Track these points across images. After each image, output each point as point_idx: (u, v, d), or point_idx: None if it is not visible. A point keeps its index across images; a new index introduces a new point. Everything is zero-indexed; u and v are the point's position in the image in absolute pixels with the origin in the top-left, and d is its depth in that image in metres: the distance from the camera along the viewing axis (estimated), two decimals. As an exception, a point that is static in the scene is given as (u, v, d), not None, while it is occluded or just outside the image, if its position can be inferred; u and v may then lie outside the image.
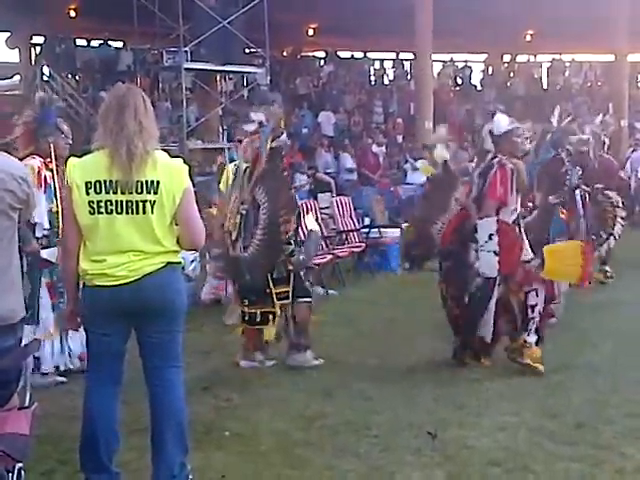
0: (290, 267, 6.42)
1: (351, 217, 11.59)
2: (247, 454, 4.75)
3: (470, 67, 25.21)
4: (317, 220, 10.25)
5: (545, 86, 25.71)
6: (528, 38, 24.43)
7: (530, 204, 7.57)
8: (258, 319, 6.36)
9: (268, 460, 4.64)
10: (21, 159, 5.42)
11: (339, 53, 24.24)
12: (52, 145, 5.99)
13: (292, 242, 6.48)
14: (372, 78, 24.71)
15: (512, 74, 25.49)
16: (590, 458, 4.58)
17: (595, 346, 7.03)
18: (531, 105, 23.54)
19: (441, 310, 6.75)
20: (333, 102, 20.62)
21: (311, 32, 23.20)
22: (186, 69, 15.53)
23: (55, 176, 6.00)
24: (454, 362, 6.50)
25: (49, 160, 6.01)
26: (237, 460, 4.65)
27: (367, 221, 12.37)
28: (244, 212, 6.22)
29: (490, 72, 25.24)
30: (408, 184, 15.56)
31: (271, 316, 6.36)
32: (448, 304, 6.58)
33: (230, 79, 18.70)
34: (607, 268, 10.00)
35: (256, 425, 5.18)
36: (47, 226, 5.97)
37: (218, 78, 17.14)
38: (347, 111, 20.38)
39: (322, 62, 24.17)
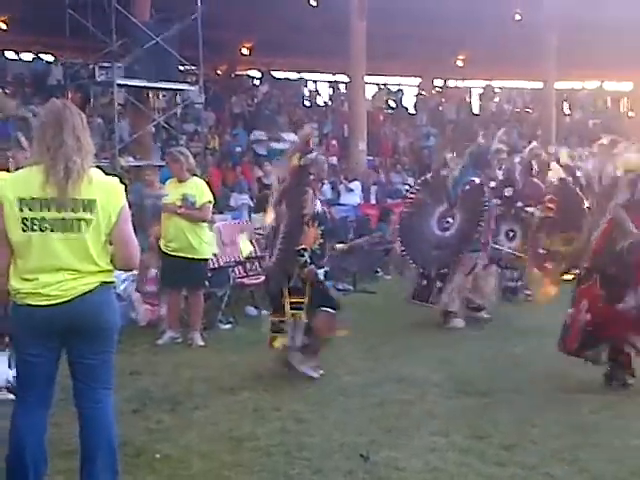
0: (304, 278, 6.66)
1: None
2: (177, 477, 4.70)
3: (403, 91, 25.54)
4: (251, 240, 10.28)
5: (476, 111, 26.18)
6: (460, 64, 24.88)
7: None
8: (276, 328, 6.72)
9: (199, 483, 4.60)
10: None
11: (274, 73, 24.31)
12: (11, 159, 5.88)
13: (305, 254, 6.66)
14: (306, 99, 24.83)
15: (444, 99, 25.90)
16: (518, 478, 4.66)
17: (523, 368, 7.16)
18: (462, 129, 24.00)
19: (378, 330, 6.87)
20: (267, 122, 20.64)
21: (246, 51, 23.21)
22: (119, 85, 15.35)
23: None
24: (389, 382, 6.56)
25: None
26: (168, 483, 4.61)
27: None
28: (273, 225, 6.72)
29: (423, 96, 25.59)
30: (342, 205, 15.64)
31: (282, 325, 6.66)
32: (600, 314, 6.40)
33: (164, 96, 18.55)
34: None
35: (186, 447, 5.13)
36: None
37: (151, 95, 16.98)
38: (280, 131, 20.41)
39: (257, 81, 24.19)
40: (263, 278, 7.14)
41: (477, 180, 9.08)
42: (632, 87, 27.95)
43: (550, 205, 6.87)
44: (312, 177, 6.75)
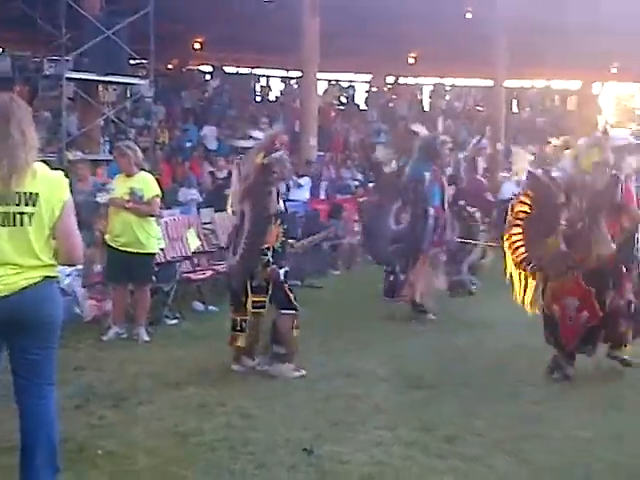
0: (266, 277, 6.64)
1: (233, 232, 11.55)
2: (121, 473, 4.66)
3: (354, 87, 25.62)
4: (199, 235, 10.23)
5: (427, 108, 26.35)
6: (411, 61, 25.01)
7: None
8: (237, 326, 6.71)
9: (142, 479, 4.57)
10: None
11: (225, 68, 24.19)
12: None
13: (267, 253, 6.65)
14: (258, 94, 24.77)
15: (395, 95, 26.02)
16: (460, 470, 4.72)
17: (469, 361, 7.24)
18: (414, 125, 24.13)
19: (326, 325, 6.89)
20: (217, 117, 20.56)
21: (197, 46, 23.06)
22: (68, 78, 15.15)
23: None
24: (337, 376, 6.59)
25: None
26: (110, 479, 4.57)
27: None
28: (236, 222, 6.74)
29: (374, 92, 25.68)
30: (291, 200, 15.63)
31: (244, 324, 6.68)
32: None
33: (114, 90, 18.36)
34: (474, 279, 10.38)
35: (130, 443, 5.09)
36: None
37: (101, 88, 16.79)
38: (231, 126, 20.35)
39: (208, 76, 24.05)
40: (226, 275, 7.03)
41: (427, 174, 9.15)
42: (580, 86, 28.38)
43: (525, 200, 6.90)
44: (275, 176, 6.75)
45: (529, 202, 6.82)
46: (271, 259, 6.65)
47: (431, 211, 9.09)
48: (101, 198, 8.60)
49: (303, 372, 6.71)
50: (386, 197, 9.47)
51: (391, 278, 9.30)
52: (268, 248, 6.64)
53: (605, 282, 6.62)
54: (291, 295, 6.79)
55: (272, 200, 6.70)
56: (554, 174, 7.00)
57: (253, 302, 6.66)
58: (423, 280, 9.19)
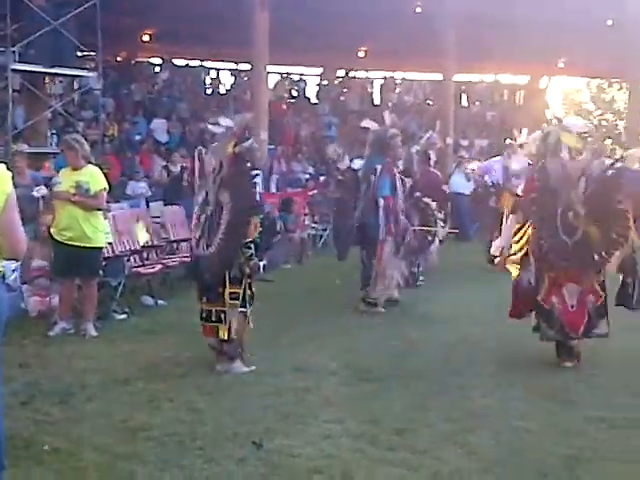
0: (247, 269, 6.59)
1: (182, 226, 11.46)
2: (67, 469, 4.62)
3: (305, 80, 25.57)
4: (148, 229, 10.15)
5: (377, 102, 26.42)
6: (362, 55, 25.03)
7: None
8: (214, 317, 6.60)
9: (88, 475, 4.53)
10: None
11: (175, 61, 23.96)
12: None
13: (252, 245, 6.64)
14: (208, 87, 24.59)
15: (346, 89, 26.03)
16: (409, 462, 4.75)
17: (419, 354, 7.30)
18: (363, 119, 24.18)
19: (277, 319, 6.89)
20: (167, 110, 20.38)
21: (146, 38, 22.80)
22: (13, 70, 14.90)
23: None
24: (287, 370, 6.59)
25: None
26: (56, 476, 4.52)
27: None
28: (209, 213, 6.57)
29: (325, 86, 25.67)
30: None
31: (222, 315, 6.57)
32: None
33: (60, 82, 18.11)
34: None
35: (77, 439, 5.04)
36: None
37: (48, 81, 16.54)
38: (181, 119, 20.20)
39: (157, 69, 23.81)
40: (193, 267, 6.86)
41: (378, 166, 9.22)
42: (528, 80, 28.68)
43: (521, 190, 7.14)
44: (248, 165, 6.69)
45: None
46: (254, 252, 6.65)
47: (381, 202, 9.17)
48: (37, 192, 8.48)
49: (253, 367, 6.70)
50: (347, 193, 9.57)
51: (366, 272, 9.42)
52: (251, 240, 6.63)
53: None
54: (253, 291, 6.77)
55: (255, 190, 6.73)
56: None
57: (230, 293, 6.60)
58: (386, 271, 9.28)
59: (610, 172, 6.82)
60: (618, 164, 6.93)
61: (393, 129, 9.63)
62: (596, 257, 6.72)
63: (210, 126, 6.98)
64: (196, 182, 6.95)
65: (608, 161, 7.06)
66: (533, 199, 6.99)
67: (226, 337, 6.60)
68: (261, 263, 6.75)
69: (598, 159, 7.09)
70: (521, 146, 7.94)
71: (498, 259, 7.38)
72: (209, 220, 6.62)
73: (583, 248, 6.74)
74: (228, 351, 6.68)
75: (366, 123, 9.81)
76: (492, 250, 7.60)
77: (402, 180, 9.56)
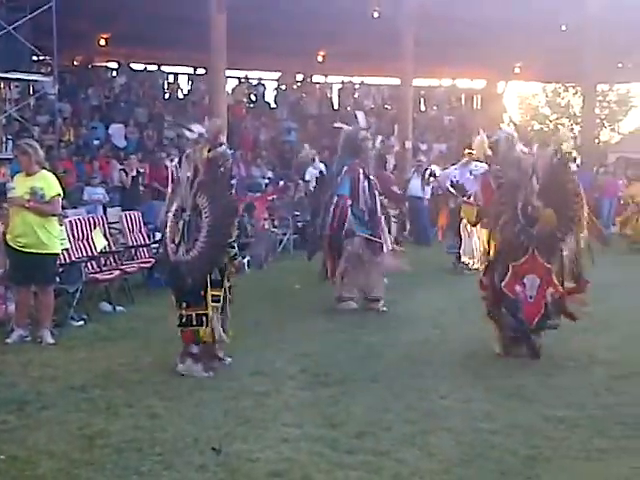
0: (233, 270, 6.82)
1: (141, 232, 11.38)
2: (24, 478, 4.59)
3: (264, 85, 25.53)
4: (106, 235, 10.05)
5: (336, 106, 26.48)
6: (320, 59, 25.09)
7: None
8: (194, 321, 6.64)
9: (45, 483, 4.47)
10: None
11: (132, 65, 23.79)
12: None
13: (234, 246, 6.79)
14: (166, 91, 24.44)
15: (305, 93, 26.05)
16: (369, 465, 4.76)
17: (377, 358, 7.31)
18: (323, 124, 24.21)
19: (236, 324, 6.90)
20: (125, 114, 20.23)
21: (103, 42, 22.63)
22: (-33, 74, 14.75)
23: None
24: (246, 375, 6.56)
25: None
26: (12, 485, 4.46)
27: (158, 236, 12.18)
28: (187, 219, 6.62)
29: (283, 90, 25.66)
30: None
31: (204, 318, 6.63)
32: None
33: (16, 87, 17.90)
34: None
35: (33, 447, 4.98)
36: None
37: (2, 85, 16.36)
38: (139, 124, 20.06)
39: (114, 73, 23.62)
40: (168, 271, 6.88)
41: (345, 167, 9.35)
42: (485, 84, 28.95)
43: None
44: (222, 170, 6.73)
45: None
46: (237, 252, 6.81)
47: (334, 199, 9.30)
48: None
49: (211, 373, 6.67)
50: (320, 194, 9.79)
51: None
52: (234, 241, 6.77)
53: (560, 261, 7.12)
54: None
55: (232, 193, 6.87)
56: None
57: (212, 296, 6.64)
58: (341, 267, 9.38)
59: (557, 159, 7.13)
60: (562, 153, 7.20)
61: (364, 131, 9.69)
62: (558, 235, 7.00)
63: (186, 132, 6.98)
64: (169, 189, 6.99)
65: (553, 150, 7.27)
66: (495, 200, 7.21)
67: (209, 339, 6.67)
68: (245, 260, 6.75)
69: (544, 151, 7.35)
70: (470, 154, 8.18)
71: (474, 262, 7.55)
72: (187, 225, 6.66)
73: (544, 235, 7.00)
74: (198, 353, 6.69)
75: (338, 124, 9.90)
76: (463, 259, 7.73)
77: (369, 182, 9.59)
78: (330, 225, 9.33)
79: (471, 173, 11.26)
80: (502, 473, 4.67)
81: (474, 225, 7.90)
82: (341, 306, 9.45)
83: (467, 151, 11.44)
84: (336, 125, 10.01)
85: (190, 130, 6.88)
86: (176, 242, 6.68)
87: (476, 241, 7.98)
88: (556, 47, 21.12)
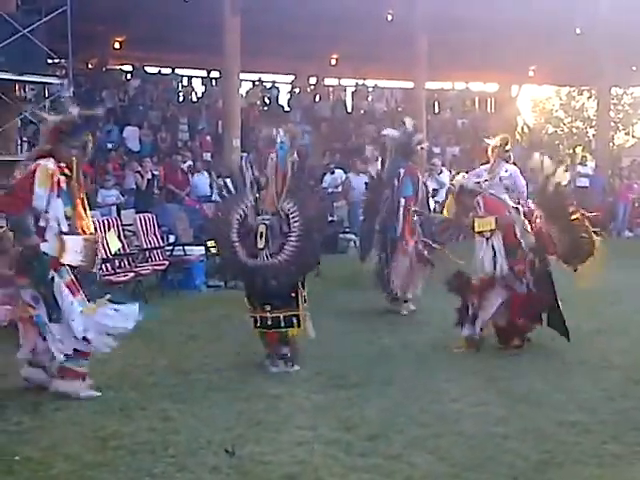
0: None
1: (155, 234, 11.43)
2: (37, 479, 4.60)
3: (277, 88, 25.59)
4: (120, 237, 10.09)
5: (349, 109, 26.50)
6: (333, 62, 25.12)
7: None
8: (282, 323, 6.81)
9: (59, 484, 4.50)
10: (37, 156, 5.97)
11: (146, 68, 23.88)
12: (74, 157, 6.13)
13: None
14: (180, 95, 24.52)
15: (318, 96, 26.09)
16: (381, 468, 4.76)
17: (393, 360, 7.32)
18: (336, 127, 24.23)
19: (245, 328, 6.90)
20: (139, 117, 20.30)
21: (117, 45, 22.73)
22: (-18, 77, 14.82)
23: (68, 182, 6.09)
24: (259, 377, 6.58)
25: (64, 166, 6.06)
26: (27, 485, 4.49)
27: (172, 239, 12.24)
28: (268, 223, 6.73)
29: (297, 93, 25.70)
30: (214, 202, 15.54)
31: (295, 319, 6.84)
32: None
33: (31, 89, 18.00)
34: None
35: (47, 448, 5.01)
36: (65, 229, 6.03)
37: (18, 88, 16.44)
38: (153, 127, 20.13)
39: (129, 76, 23.71)
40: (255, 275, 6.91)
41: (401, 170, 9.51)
42: (498, 88, 28.90)
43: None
44: (309, 174, 7.04)
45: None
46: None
47: (402, 201, 9.39)
48: None
49: (297, 367, 6.93)
50: (374, 196, 9.91)
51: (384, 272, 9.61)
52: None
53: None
54: None
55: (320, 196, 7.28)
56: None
57: (303, 296, 6.89)
58: (405, 270, 9.47)
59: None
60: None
61: (418, 135, 9.79)
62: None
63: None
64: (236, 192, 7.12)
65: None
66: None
67: (296, 339, 6.94)
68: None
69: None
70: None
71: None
72: (269, 230, 6.75)
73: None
74: (289, 353, 6.94)
75: (386, 131, 9.98)
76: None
77: (425, 185, 9.81)
78: (402, 228, 9.40)
79: (501, 180, 11.27)
80: (514, 478, 4.66)
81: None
82: (398, 307, 9.53)
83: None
84: (383, 132, 10.13)
85: (272, 135, 7.21)
86: (260, 246, 6.74)
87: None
88: (570, 50, 21.08)
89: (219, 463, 4.78)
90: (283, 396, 6.17)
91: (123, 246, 10.25)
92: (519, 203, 7.79)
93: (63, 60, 16.54)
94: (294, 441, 5.17)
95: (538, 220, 7.54)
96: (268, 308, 6.81)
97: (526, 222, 7.57)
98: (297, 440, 5.19)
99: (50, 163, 6.00)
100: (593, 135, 27.87)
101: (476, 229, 7.55)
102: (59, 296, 6.00)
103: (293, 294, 6.82)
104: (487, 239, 7.50)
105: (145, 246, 11.06)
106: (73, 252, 6.06)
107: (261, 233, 6.75)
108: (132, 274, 9.81)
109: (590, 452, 5.04)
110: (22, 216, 5.89)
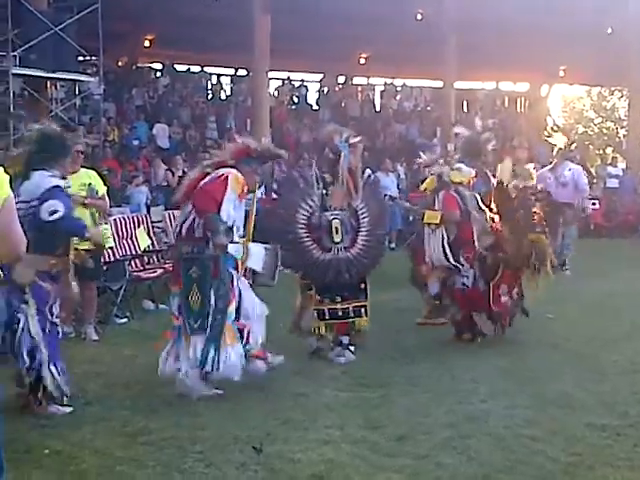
0: None
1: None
2: (67, 473, 4.63)
3: (306, 86, 25.63)
4: (149, 233, 10.15)
5: (378, 108, 26.47)
6: (362, 61, 25.12)
7: None
8: (351, 313, 7.16)
9: (89, 478, 4.53)
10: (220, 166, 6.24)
11: (176, 66, 24.02)
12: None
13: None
14: (209, 92, 24.63)
15: (347, 95, 26.08)
16: (409, 468, 4.74)
17: (419, 360, 7.28)
18: (364, 126, 24.21)
19: (276, 324, 6.92)
20: (168, 115, 20.42)
21: (147, 43, 22.90)
22: (14, 74, 14.96)
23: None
24: (286, 375, 6.58)
25: None
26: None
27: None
28: (340, 218, 7.04)
29: (325, 92, 25.72)
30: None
31: (363, 309, 7.21)
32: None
33: (62, 87, 18.16)
34: None
35: (78, 443, 5.05)
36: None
37: (49, 85, 16.58)
38: (182, 125, 20.24)
39: (158, 74, 23.85)
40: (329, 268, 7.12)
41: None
42: (528, 87, 28.75)
43: None
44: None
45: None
46: None
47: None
48: None
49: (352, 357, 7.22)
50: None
51: None
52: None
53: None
54: None
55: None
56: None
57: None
58: None
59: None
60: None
61: (486, 134, 9.71)
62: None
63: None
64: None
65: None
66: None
67: (363, 329, 7.29)
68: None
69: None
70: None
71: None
72: (343, 225, 7.05)
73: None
74: (347, 342, 7.23)
75: (458, 129, 9.91)
76: None
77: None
78: None
79: (557, 178, 11.26)
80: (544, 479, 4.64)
81: None
82: None
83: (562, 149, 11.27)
84: (455, 130, 10.07)
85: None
86: (336, 240, 7.02)
87: None
88: (601, 50, 20.92)
89: (247, 460, 4.79)
90: (310, 394, 6.16)
91: (152, 243, 10.31)
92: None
93: (93, 58, 16.67)
94: (321, 439, 5.16)
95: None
96: (339, 299, 7.13)
97: (488, 225, 7.81)
98: (324, 439, 5.18)
99: (239, 174, 6.12)
100: (624, 136, 27.61)
101: (424, 220, 7.89)
102: (227, 297, 6.05)
103: (362, 285, 7.20)
104: (433, 231, 7.82)
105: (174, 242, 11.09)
106: (256, 258, 6.25)
107: (336, 228, 7.02)
108: (161, 270, 9.84)
109: (621, 455, 4.99)
110: (215, 214, 5.96)
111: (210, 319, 5.98)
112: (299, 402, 5.97)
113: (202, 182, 6.13)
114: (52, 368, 5.64)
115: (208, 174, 6.17)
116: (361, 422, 5.52)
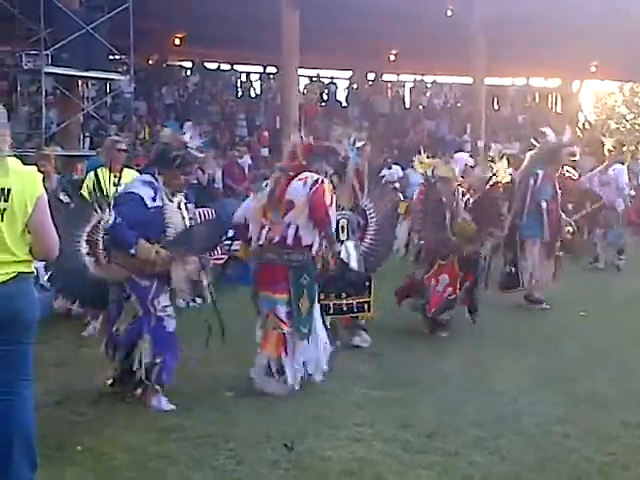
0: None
1: (214, 229, 11.48)
2: (100, 469, 4.66)
3: (335, 83, 25.61)
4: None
5: (407, 105, 26.39)
6: (392, 58, 25.04)
7: None
8: (355, 309, 7.36)
9: (121, 475, 4.57)
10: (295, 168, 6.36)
11: (205, 64, 24.11)
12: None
13: None
14: (239, 90, 24.70)
15: (376, 92, 26.03)
16: (439, 466, 4.73)
17: (447, 358, 7.25)
18: (394, 123, 24.16)
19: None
20: (199, 113, 20.49)
21: (177, 41, 22.99)
22: (46, 73, 15.10)
23: None
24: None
25: None
26: (89, 476, 4.57)
27: (230, 234, 12.26)
28: (347, 217, 7.14)
29: (355, 89, 25.69)
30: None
31: (367, 305, 7.42)
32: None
33: (93, 85, 18.30)
34: None
35: (110, 439, 5.08)
36: None
37: (80, 83, 16.72)
38: (213, 122, 20.31)
39: (188, 72, 23.96)
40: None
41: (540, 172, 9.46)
42: (559, 83, 28.52)
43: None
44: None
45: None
46: None
47: (544, 204, 9.37)
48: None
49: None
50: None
51: (508, 270, 9.60)
52: None
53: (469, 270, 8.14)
54: None
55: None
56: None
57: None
58: (542, 269, 9.52)
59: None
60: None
61: (572, 147, 9.63)
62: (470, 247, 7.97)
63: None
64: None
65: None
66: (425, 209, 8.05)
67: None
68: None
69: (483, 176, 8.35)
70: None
71: None
72: (351, 224, 7.21)
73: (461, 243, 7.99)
74: (362, 324, 7.57)
75: (547, 130, 9.83)
76: None
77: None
78: (549, 231, 9.39)
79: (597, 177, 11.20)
80: (577, 479, 4.60)
81: None
82: (534, 307, 9.53)
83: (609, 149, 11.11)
84: (542, 129, 9.99)
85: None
86: (342, 239, 7.08)
87: None
88: (634, 46, 20.68)
89: (278, 458, 4.80)
90: (340, 392, 6.16)
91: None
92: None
93: (124, 56, 16.77)
94: (352, 437, 5.17)
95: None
96: (344, 295, 7.23)
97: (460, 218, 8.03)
98: (355, 436, 5.19)
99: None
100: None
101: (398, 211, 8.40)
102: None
103: (367, 283, 7.37)
104: (400, 222, 8.41)
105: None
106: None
107: (342, 227, 7.07)
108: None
109: (656, 454, 4.94)
110: (331, 230, 6.34)
111: (315, 323, 6.31)
112: (328, 400, 5.97)
113: (301, 190, 6.12)
114: (157, 360, 5.78)
115: (292, 178, 6.21)
116: (391, 420, 5.52)
